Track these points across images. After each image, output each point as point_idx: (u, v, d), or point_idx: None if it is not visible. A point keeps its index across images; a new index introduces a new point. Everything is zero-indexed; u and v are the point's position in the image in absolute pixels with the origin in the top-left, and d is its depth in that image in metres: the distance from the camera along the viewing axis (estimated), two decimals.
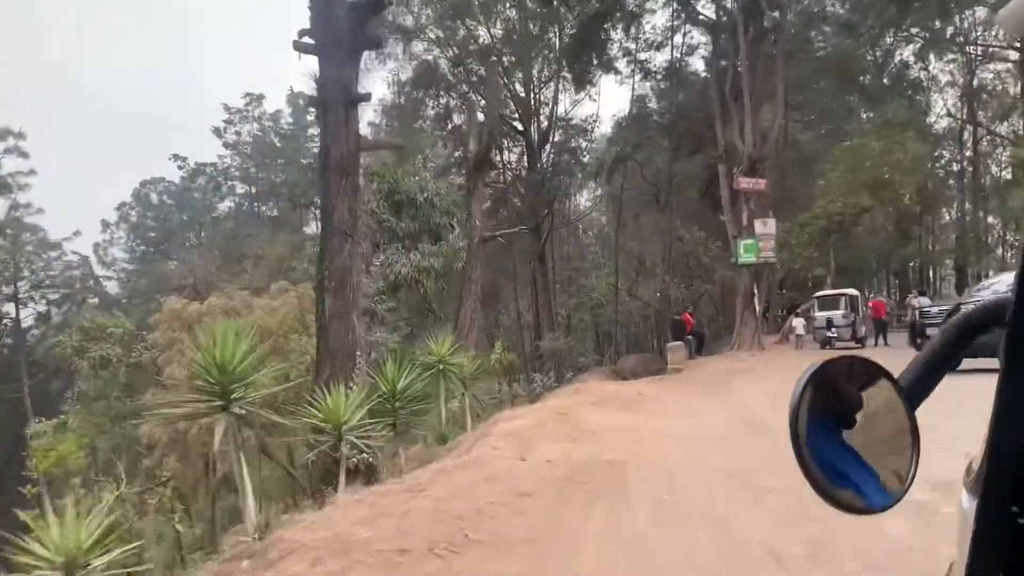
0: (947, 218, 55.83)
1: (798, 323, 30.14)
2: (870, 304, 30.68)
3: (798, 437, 1.19)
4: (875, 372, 1.26)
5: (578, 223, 48.22)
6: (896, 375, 1.25)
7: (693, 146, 34.76)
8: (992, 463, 1.02)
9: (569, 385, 30.42)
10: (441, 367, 14.42)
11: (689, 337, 27.34)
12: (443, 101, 41.06)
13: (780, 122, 27.02)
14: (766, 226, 27.07)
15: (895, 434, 1.23)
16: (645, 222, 43.00)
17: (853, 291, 30.23)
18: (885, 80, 50.40)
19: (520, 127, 40.37)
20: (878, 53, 49.28)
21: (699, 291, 39.61)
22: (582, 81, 38.11)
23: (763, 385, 16.90)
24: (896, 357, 2.16)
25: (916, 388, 1.26)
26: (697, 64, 39.29)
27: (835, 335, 28.50)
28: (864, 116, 48.60)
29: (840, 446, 1.22)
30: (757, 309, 27.09)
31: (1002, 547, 1.04)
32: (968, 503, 1.32)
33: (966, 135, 51.07)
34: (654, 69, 39.80)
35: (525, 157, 41.19)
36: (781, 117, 27.08)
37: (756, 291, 27.00)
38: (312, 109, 53.72)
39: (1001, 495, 1.02)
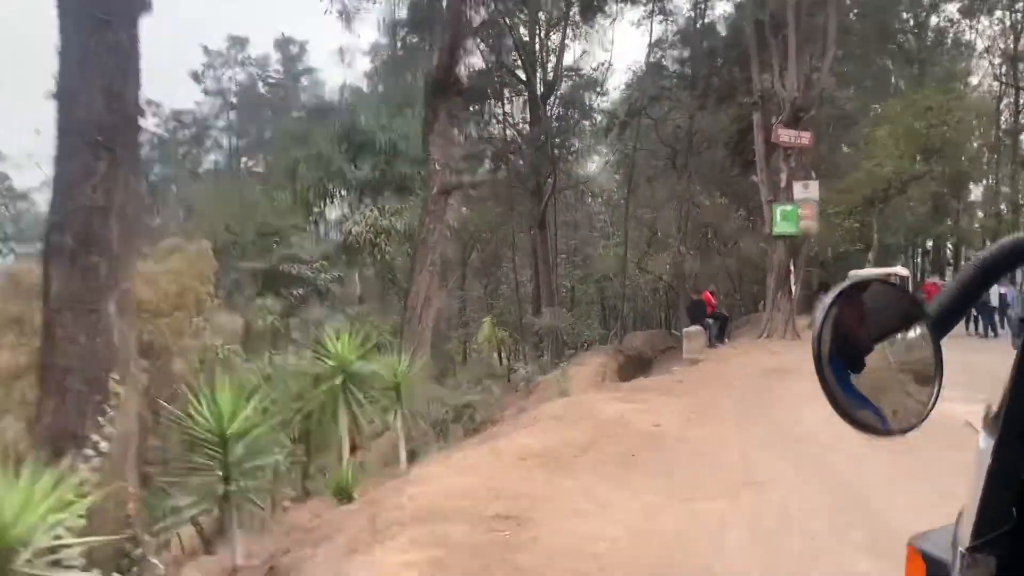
0: (975, 194, 49.73)
1: None
2: (923, 287, 25.33)
3: (820, 359, 1.19)
4: (902, 298, 1.27)
5: (585, 187, 42.38)
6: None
7: (721, 94, 29.01)
8: (1013, 404, 1.02)
9: (558, 372, 25.14)
10: (344, 378, 9.09)
11: (709, 320, 21.96)
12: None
13: (832, 57, 21.25)
14: (808, 189, 21.61)
15: (920, 361, 1.19)
16: (659, 187, 37.37)
17: (902, 270, 24.83)
18: (927, 39, 44.65)
19: (523, 76, 34.74)
20: (919, 10, 43.55)
21: (717, 265, 34.22)
22: (590, 7, 32.21)
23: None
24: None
25: (943, 318, 1.22)
26: None
27: None
28: (896, 80, 42.98)
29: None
30: (793, 290, 21.68)
31: (1017, 484, 1.04)
32: (984, 443, 1.15)
33: (1004, 103, 45.04)
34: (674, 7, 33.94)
35: (528, 110, 35.59)
36: (832, 54, 21.30)
37: (793, 268, 21.55)
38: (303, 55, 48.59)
39: (1018, 433, 1.02)
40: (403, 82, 39.91)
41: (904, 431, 1.18)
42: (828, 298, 1.21)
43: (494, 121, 37.23)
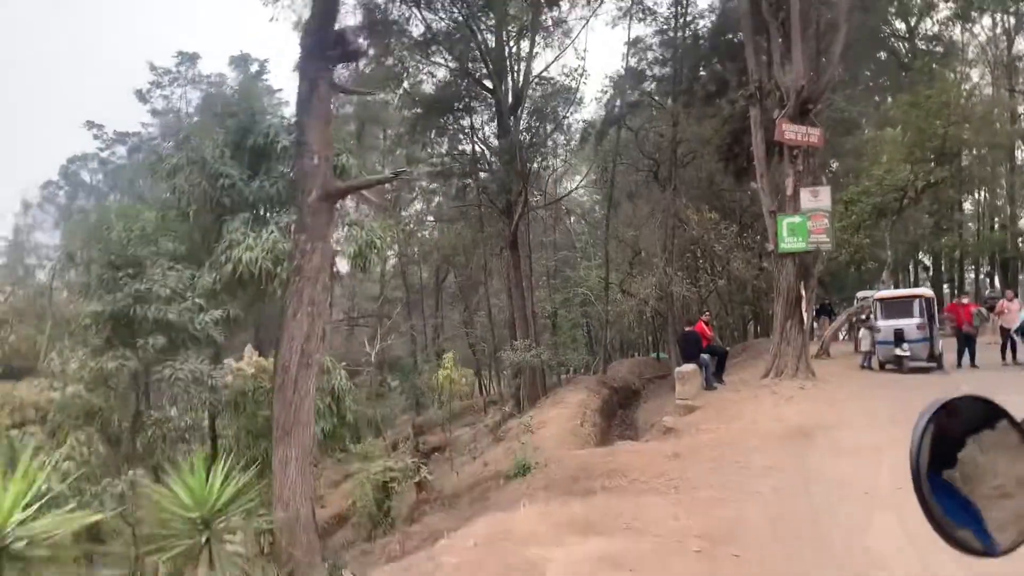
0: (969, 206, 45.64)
1: (865, 336, 20.65)
2: (947, 309, 21.08)
3: (919, 474, 1.13)
4: (995, 413, 1.20)
5: (561, 204, 38.09)
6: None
7: (709, 91, 24.79)
8: None
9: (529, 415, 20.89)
10: None
11: (705, 357, 17.56)
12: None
13: (844, 37, 17.08)
14: (818, 198, 17.41)
15: (1017, 476, 1.14)
16: (641, 203, 33.20)
17: (927, 291, 20.59)
18: (919, 43, 40.82)
19: (490, 85, 30.52)
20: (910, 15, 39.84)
21: (707, 288, 29.93)
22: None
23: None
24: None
25: None
26: None
27: (906, 352, 18.96)
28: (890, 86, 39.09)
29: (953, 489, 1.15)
30: (806, 319, 17.33)
31: None
32: None
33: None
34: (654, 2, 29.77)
35: (496, 122, 31.39)
36: (844, 34, 17.12)
37: (804, 292, 17.21)
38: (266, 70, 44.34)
39: None
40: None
41: (1009, 550, 1.09)
42: (925, 413, 1.16)
43: (460, 136, 33.05)
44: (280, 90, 42.95)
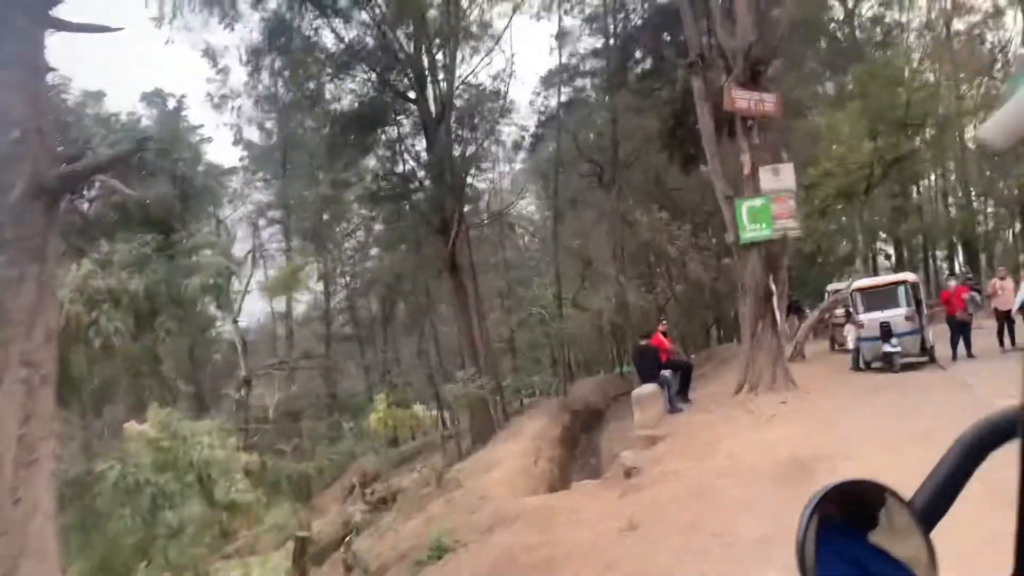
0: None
1: (849, 331, 17.73)
2: (943, 297, 18.24)
3: (804, 562, 1.06)
4: (884, 495, 1.13)
5: (505, 219, 34.81)
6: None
7: (649, 68, 21.78)
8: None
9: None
10: None
11: (666, 374, 14.31)
12: None
13: None
14: (779, 176, 14.42)
15: (911, 560, 1.08)
16: (587, 210, 30.06)
17: (912, 276, 17.66)
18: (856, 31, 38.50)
19: (413, 95, 27.32)
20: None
21: (665, 294, 26.84)
22: None
23: None
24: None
25: (930, 509, 1.12)
26: None
27: (896, 348, 16.01)
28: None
29: (873, 551, 1.09)
30: (778, 318, 14.18)
31: None
32: None
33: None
34: None
35: (424, 135, 28.11)
36: None
37: (774, 286, 14.09)
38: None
39: None
40: None
41: None
42: (809, 504, 1.08)
43: (388, 154, 29.73)
44: (201, 126, 39.22)
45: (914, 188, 36.12)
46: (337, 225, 36.02)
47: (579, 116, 28.02)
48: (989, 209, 39.81)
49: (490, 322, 37.91)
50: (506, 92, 27.61)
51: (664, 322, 16.28)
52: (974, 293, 17.38)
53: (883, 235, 38.80)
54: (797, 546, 1.05)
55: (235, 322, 29.91)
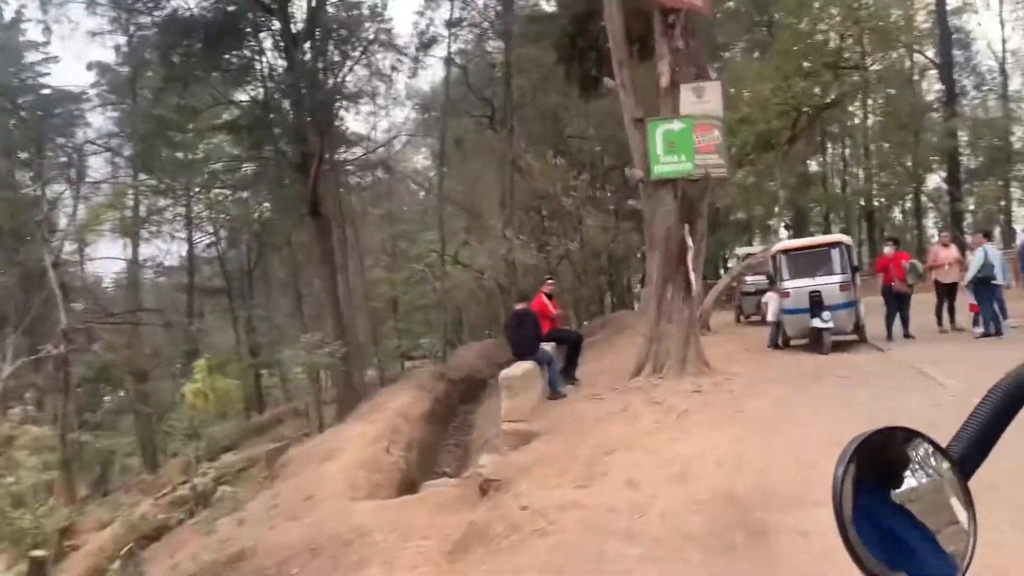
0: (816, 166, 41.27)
1: (770, 302, 14.52)
2: (880, 263, 15.18)
3: (843, 518, 0.99)
4: (921, 443, 1.07)
5: (382, 161, 30.16)
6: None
7: None
8: None
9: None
10: None
11: (547, 349, 10.51)
12: None
13: None
14: (703, 98, 10.84)
15: (948, 508, 1.03)
16: (477, 155, 25.96)
17: (845, 236, 14.49)
18: None
19: (272, 4, 22.34)
20: None
21: (558, 254, 23.16)
22: None
23: None
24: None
25: (968, 457, 1.06)
26: None
27: (828, 324, 12.84)
28: None
29: (893, 511, 1.02)
30: (693, 280, 10.54)
31: None
32: None
33: None
34: None
35: (285, 55, 23.20)
36: None
37: (690, 240, 10.43)
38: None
39: None
40: None
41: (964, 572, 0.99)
42: (846, 452, 1.01)
43: (243, 75, 24.61)
44: (46, 43, 32.82)
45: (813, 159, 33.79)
46: (187, 159, 30.53)
47: (468, 42, 23.88)
48: (883, 182, 38.07)
49: (373, 279, 33.69)
50: (384, 7, 22.94)
51: (550, 281, 12.45)
52: (915, 261, 14.41)
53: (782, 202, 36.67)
54: (834, 503, 0.97)
55: (55, 265, 24.61)
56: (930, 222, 41.14)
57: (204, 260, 42.29)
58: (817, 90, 16.55)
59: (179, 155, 31.59)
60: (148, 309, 27.94)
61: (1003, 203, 35.60)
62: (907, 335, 13.69)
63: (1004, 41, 35.86)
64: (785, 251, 13.79)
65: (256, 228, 35.00)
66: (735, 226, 34.49)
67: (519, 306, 11.06)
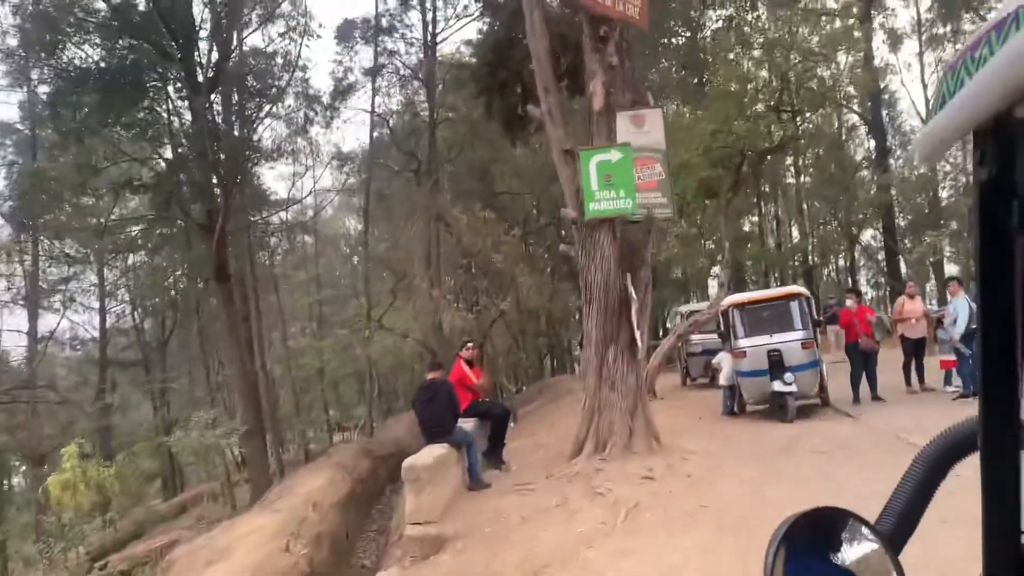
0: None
1: (723, 363, 12.74)
2: (841, 316, 13.46)
3: None
4: (850, 521, 1.06)
5: (290, 218, 27.84)
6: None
7: None
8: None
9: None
10: None
11: (466, 428, 8.35)
12: None
13: None
14: (644, 127, 9.11)
15: None
16: (403, 210, 24.03)
17: (803, 290, 12.85)
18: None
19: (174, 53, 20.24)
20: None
21: (489, 315, 21.12)
22: None
23: None
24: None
25: (897, 532, 1.06)
26: None
27: (791, 387, 11.03)
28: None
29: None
30: (639, 339, 8.61)
31: None
32: None
33: None
34: None
35: (188, 106, 21.02)
36: None
37: (633, 292, 8.52)
38: None
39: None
40: None
41: None
42: (776, 536, 1.02)
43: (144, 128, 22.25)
44: None
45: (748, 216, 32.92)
46: (96, 223, 27.76)
47: (390, 94, 22.21)
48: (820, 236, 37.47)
49: (299, 347, 31.03)
50: (297, 55, 21.07)
51: (470, 345, 10.36)
52: (881, 315, 12.87)
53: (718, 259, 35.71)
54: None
55: None
56: (862, 278, 40.75)
57: (120, 331, 39.16)
58: (763, 130, 15.25)
59: (86, 219, 28.83)
60: (33, 386, 24.64)
61: (933, 259, 35.36)
62: (875, 397, 12.04)
63: (928, 101, 36.10)
64: (738, 305, 12.07)
65: (172, 296, 32.25)
66: (673, 284, 33.27)
67: (430, 375, 8.93)
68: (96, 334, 35.42)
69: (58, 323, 34.02)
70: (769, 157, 16.54)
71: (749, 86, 15.69)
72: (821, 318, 13.07)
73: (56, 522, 12.92)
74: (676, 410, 13.80)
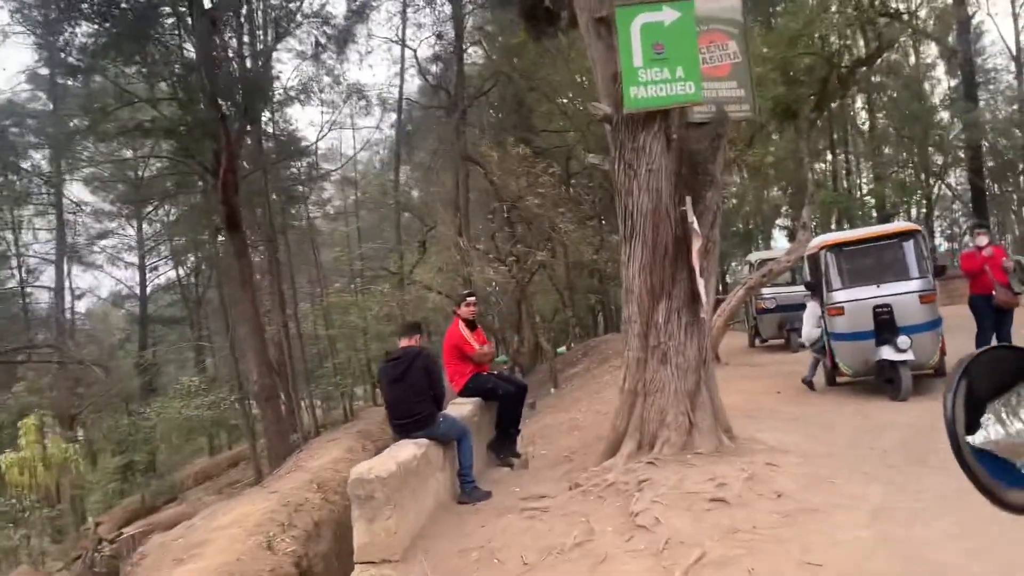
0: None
1: (809, 318, 9.65)
2: (962, 260, 10.11)
3: (957, 437, 0.98)
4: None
5: (338, 170, 25.28)
6: None
7: None
8: None
9: None
10: None
11: (454, 418, 5.51)
12: None
13: None
14: None
15: None
16: (429, 149, 21.22)
17: (917, 226, 9.63)
18: None
19: None
20: None
21: (527, 267, 18.24)
22: None
23: None
24: None
25: None
26: None
27: (906, 353, 7.78)
28: None
29: None
30: (702, 291, 5.64)
31: None
32: None
33: None
34: None
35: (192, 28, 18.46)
36: None
37: (696, 225, 5.50)
38: None
39: None
40: None
41: None
42: (956, 370, 0.99)
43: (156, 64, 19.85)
44: None
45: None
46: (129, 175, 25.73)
47: (415, 11, 19.22)
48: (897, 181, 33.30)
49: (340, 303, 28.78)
50: None
51: (470, 299, 7.51)
52: (1020, 259, 9.59)
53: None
54: (946, 416, 0.94)
55: None
56: (937, 227, 36.49)
57: (164, 288, 37.85)
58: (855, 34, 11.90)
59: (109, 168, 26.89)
60: (38, 346, 22.86)
61: None
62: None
63: (1018, 33, 31.31)
64: (834, 246, 8.96)
65: (206, 249, 30.39)
66: (732, 238, 29.87)
67: (402, 342, 6.16)
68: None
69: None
70: (864, 69, 13.11)
71: None
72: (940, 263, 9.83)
73: (15, 506, 10.97)
74: (747, 381, 10.86)
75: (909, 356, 8.03)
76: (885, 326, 8.23)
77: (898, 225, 9.70)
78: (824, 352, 9.24)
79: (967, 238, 31.44)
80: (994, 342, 8.95)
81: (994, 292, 8.85)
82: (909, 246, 8.63)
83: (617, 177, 6.12)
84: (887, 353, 8.11)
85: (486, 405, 7.12)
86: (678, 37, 5.54)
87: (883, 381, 8.42)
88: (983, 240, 9.25)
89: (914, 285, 8.35)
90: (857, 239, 9.02)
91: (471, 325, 7.25)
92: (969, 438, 0.94)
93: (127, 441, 22.15)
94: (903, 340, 8.02)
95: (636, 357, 6.19)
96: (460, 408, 6.66)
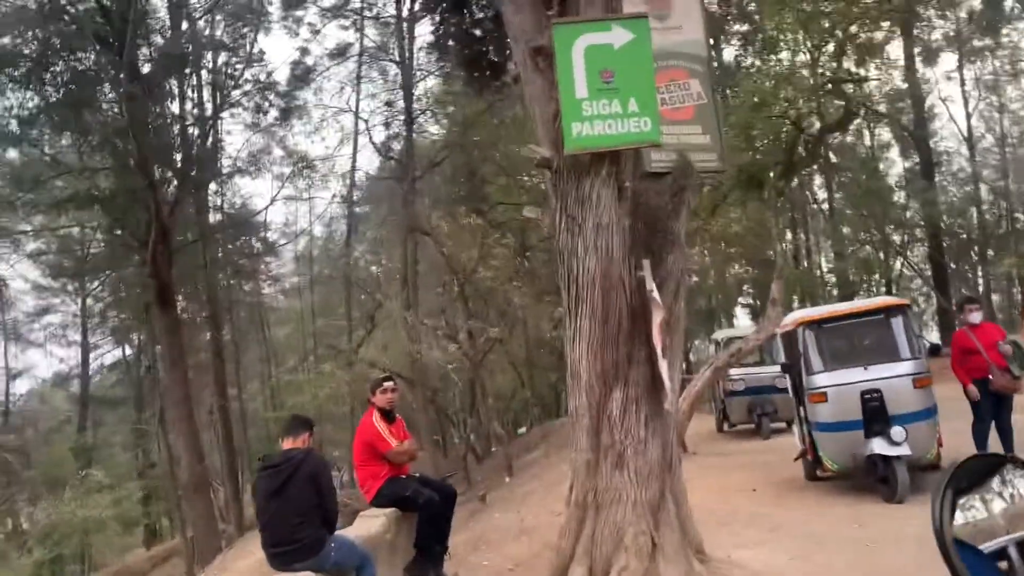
0: None
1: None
2: (955, 340, 8.90)
3: (944, 539, 0.96)
4: (1013, 466, 1.07)
5: (254, 227, 23.96)
6: None
7: None
8: None
9: None
10: None
11: (347, 541, 4.00)
12: None
13: None
14: (669, 18, 4.74)
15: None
16: (380, 220, 20.17)
17: (903, 300, 8.57)
18: None
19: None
20: None
21: (484, 343, 16.89)
22: None
23: None
24: None
25: None
26: None
27: (902, 447, 6.50)
28: None
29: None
30: (666, 378, 4.35)
31: None
32: None
33: None
34: None
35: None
36: None
37: (654, 288, 4.23)
38: None
39: None
40: None
41: None
42: (942, 480, 1.01)
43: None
44: None
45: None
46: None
47: (363, 75, 18.35)
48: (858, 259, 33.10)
49: (288, 383, 27.00)
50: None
51: (388, 385, 6.13)
52: (1017, 339, 8.50)
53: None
54: (934, 520, 0.94)
55: None
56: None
57: (107, 367, 35.72)
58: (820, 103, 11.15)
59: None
60: None
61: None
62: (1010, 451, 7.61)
63: (968, 116, 31.83)
64: (812, 323, 7.81)
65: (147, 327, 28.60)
66: (695, 316, 29.00)
67: (285, 443, 4.75)
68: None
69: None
70: (836, 136, 12.38)
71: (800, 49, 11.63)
72: (930, 342, 8.74)
73: None
74: (718, 474, 9.52)
75: (904, 451, 6.81)
76: (875, 415, 7.03)
77: (884, 299, 8.62)
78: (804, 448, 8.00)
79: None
80: (994, 431, 7.84)
81: (991, 376, 7.73)
82: (897, 322, 7.53)
83: (558, 234, 4.93)
84: (879, 447, 6.89)
85: (404, 517, 5.69)
86: (630, 63, 4.46)
87: (875, 481, 7.17)
88: (976, 317, 8.18)
89: (906, 367, 7.21)
90: (839, 314, 7.89)
91: (389, 416, 5.87)
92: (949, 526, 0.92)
93: (54, 534, 20.05)
94: (897, 432, 6.81)
95: (585, 460, 4.86)
96: (368, 523, 5.23)
